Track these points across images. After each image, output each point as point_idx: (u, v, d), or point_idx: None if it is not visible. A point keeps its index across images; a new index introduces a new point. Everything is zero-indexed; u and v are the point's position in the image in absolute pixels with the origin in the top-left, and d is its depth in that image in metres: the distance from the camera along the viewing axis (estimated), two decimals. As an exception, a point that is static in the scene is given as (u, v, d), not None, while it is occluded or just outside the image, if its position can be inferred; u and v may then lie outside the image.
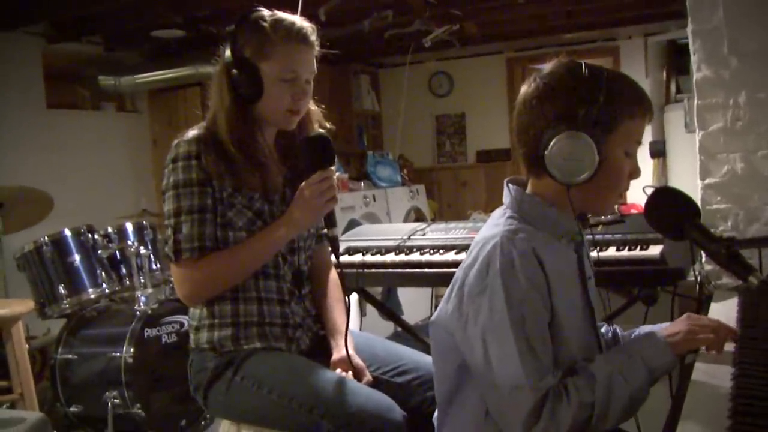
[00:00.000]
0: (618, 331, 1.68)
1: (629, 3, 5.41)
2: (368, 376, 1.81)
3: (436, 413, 1.53)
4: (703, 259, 2.30)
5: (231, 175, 1.78)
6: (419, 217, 6.42)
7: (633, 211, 4.65)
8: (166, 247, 1.79)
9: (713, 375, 1.24)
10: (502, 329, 1.27)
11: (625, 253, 2.14)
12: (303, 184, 1.80)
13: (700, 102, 2.33)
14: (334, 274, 2.05)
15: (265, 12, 1.82)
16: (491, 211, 5.43)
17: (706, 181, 2.33)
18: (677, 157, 5.65)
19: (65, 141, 5.11)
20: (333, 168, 1.82)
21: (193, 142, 1.79)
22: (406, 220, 6.17)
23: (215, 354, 1.82)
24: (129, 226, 3.91)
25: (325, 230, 1.88)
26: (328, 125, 1.96)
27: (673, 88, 6.38)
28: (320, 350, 1.91)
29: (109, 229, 3.87)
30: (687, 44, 6.22)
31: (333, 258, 1.89)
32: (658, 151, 5.87)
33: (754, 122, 2.26)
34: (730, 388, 1.15)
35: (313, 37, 1.84)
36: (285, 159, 1.92)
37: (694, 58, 2.34)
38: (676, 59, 6.43)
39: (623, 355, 1.33)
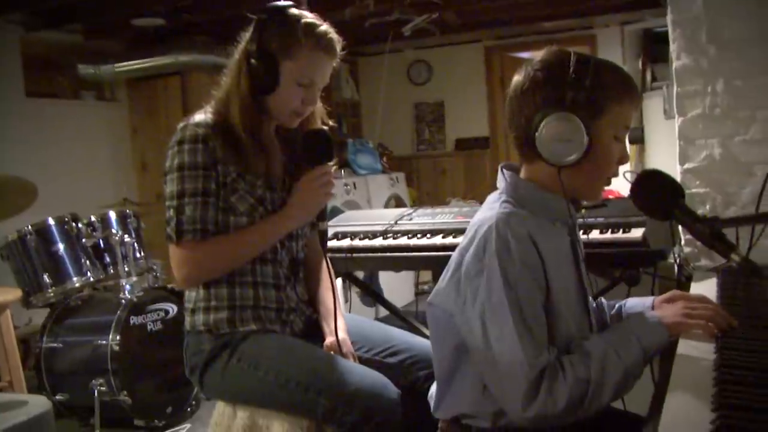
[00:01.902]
0: (603, 302, 1.74)
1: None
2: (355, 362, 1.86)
3: (432, 391, 1.58)
4: (683, 242, 2.37)
5: (237, 159, 1.81)
6: (399, 205, 6.46)
7: (610, 197, 4.73)
8: (168, 228, 1.81)
9: (697, 348, 1.30)
10: (500, 309, 1.32)
11: (608, 235, 2.20)
12: (302, 178, 1.86)
13: (680, 89, 2.39)
14: (324, 261, 2.09)
15: (296, 10, 1.83)
16: (470, 198, 5.52)
17: (686, 166, 2.39)
18: (655, 144, 5.74)
19: (45, 130, 5.08)
20: (331, 163, 1.89)
21: (201, 126, 1.81)
22: (386, 207, 6.21)
23: (211, 336, 1.85)
24: (112, 215, 3.93)
25: (318, 225, 1.93)
26: (330, 122, 2.00)
27: (648, 76, 6.47)
28: (313, 333, 1.95)
29: (93, 218, 3.88)
30: (663, 33, 6.31)
31: (336, 244, 1.94)
32: (637, 138, 5.96)
33: (731, 109, 2.33)
34: (713, 360, 1.21)
35: (338, 49, 1.87)
36: (284, 147, 1.96)
37: (673, 47, 2.39)
38: (652, 48, 6.51)
39: (617, 333, 1.38)
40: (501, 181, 1.52)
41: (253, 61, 1.81)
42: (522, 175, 1.51)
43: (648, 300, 1.63)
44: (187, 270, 1.82)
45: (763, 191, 2.03)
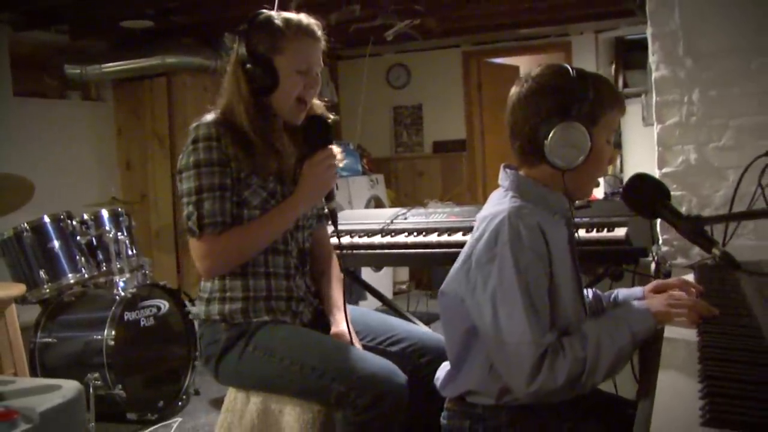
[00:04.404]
0: (597, 292, 1.90)
1: (582, 2, 5.66)
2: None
3: (438, 373, 1.72)
4: (661, 241, 2.54)
5: (248, 159, 1.92)
6: (379, 206, 6.59)
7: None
8: (189, 222, 1.91)
9: (681, 333, 1.45)
10: (510, 293, 1.46)
11: (593, 234, 2.35)
12: (307, 162, 1.97)
13: (658, 98, 2.55)
14: (331, 253, 2.22)
15: (273, 12, 1.97)
16: (448, 200, 5.70)
17: (664, 171, 2.54)
18: (632, 148, 5.94)
19: (32, 129, 5.13)
20: (332, 146, 2.00)
21: (212, 125, 1.92)
22: (366, 208, 6.33)
23: (226, 326, 1.96)
24: (105, 213, 4.01)
25: (326, 205, 2.05)
26: (331, 116, 2.12)
27: (621, 82, 6.66)
28: (320, 323, 2.06)
29: (85, 216, 3.96)
30: (635, 40, 6.47)
31: (332, 228, 2.04)
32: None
33: (706, 117, 2.48)
34: (696, 342, 1.36)
35: (320, 33, 2.00)
36: (293, 142, 2.06)
37: (653, 58, 2.54)
38: (625, 55, 6.71)
39: (611, 319, 1.52)
40: (504, 179, 1.65)
41: (248, 66, 1.93)
42: (522, 174, 1.65)
43: (637, 290, 1.79)
44: (210, 261, 1.93)
45: (736, 194, 2.19)
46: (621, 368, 1.49)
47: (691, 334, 1.42)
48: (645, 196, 1.61)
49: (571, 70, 1.57)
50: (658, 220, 2.48)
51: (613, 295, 1.87)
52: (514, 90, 1.63)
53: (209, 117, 1.96)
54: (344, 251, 2.58)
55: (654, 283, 1.77)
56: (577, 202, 2.52)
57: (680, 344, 1.38)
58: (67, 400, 1.82)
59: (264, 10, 1.99)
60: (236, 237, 1.92)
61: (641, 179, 1.64)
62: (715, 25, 2.45)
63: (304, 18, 1.98)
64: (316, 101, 2.09)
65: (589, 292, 1.90)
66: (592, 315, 1.82)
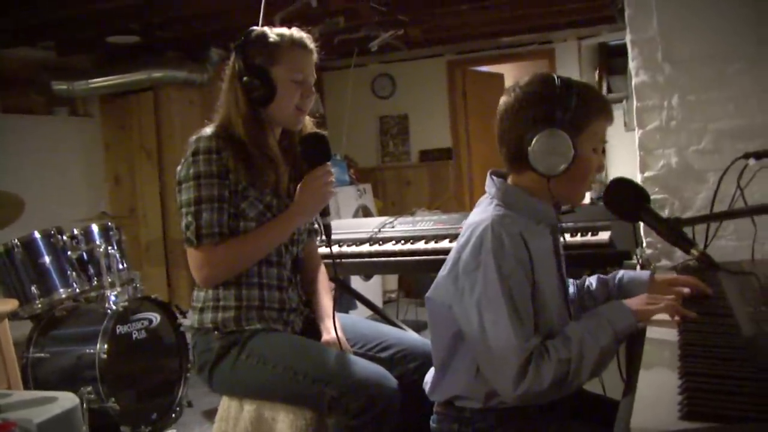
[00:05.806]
0: (601, 276, 1.93)
1: (564, 9, 5.73)
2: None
3: (427, 377, 1.75)
4: (644, 244, 2.58)
5: (247, 171, 1.96)
6: (366, 215, 6.63)
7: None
8: (187, 232, 1.95)
9: (662, 333, 1.49)
10: (495, 299, 1.50)
11: (578, 238, 2.40)
12: (306, 177, 2.01)
13: (639, 104, 2.60)
14: (321, 265, 2.26)
15: (265, 28, 2.03)
16: (435, 208, 5.76)
17: (646, 174, 2.59)
18: (614, 154, 6.02)
19: (20, 145, 5.15)
20: (329, 162, 2.05)
21: (213, 138, 1.96)
22: (354, 217, 6.37)
23: (219, 334, 1.99)
24: (95, 228, 4.02)
25: (319, 220, 2.10)
26: (324, 132, 2.16)
27: (604, 87, 6.73)
28: (311, 332, 2.10)
29: (75, 231, 3.97)
30: (617, 46, 6.54)
31: (326, 239, 2.06)
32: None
33: (686, 121, 2.53)
34: (677, 341, 1.41)
35: (312, 45, 2.06)
36: (287, 157, 2.11)
37: (632, 64, 2.60)
38: (608, 61, 6.79)
39: (593, 319, 1.55)
40: (491, 187, 1.69)
41: (245, 78, 1.98)
42: (510, 181, 1.69)
43: (644, 274, 1.84)
44: (207, 271, 1.97)
45: (716, 196, 2.25)
46: (605, 367, 1.53)
47: (672, 334, 1.46)
48: (625, 200, 1.66)
49: (556, 79, 1.61)
50: (641, 223, 2.53)
51: (618, 276, 1.89)
52: (502, 99, 1.67)
53: (209, 130, 2.01)
54: (335, 261, 2.61)
55: (670, 277, 1.80)
56: (562, 207, 2.59)
57: (662, 344, 1.42)
58: (64, 412, 1.85)
59: (256, 27, 2.05)
60: (233, 247, 1.96)
61: (620, 184, 1.69)
62: (693, 32, 2.50)
63: (296, 31, 2.05)
64: (306, 117, 2.13)
65: (593, 280, 1.93)
66: (595, 301, 1.87)
